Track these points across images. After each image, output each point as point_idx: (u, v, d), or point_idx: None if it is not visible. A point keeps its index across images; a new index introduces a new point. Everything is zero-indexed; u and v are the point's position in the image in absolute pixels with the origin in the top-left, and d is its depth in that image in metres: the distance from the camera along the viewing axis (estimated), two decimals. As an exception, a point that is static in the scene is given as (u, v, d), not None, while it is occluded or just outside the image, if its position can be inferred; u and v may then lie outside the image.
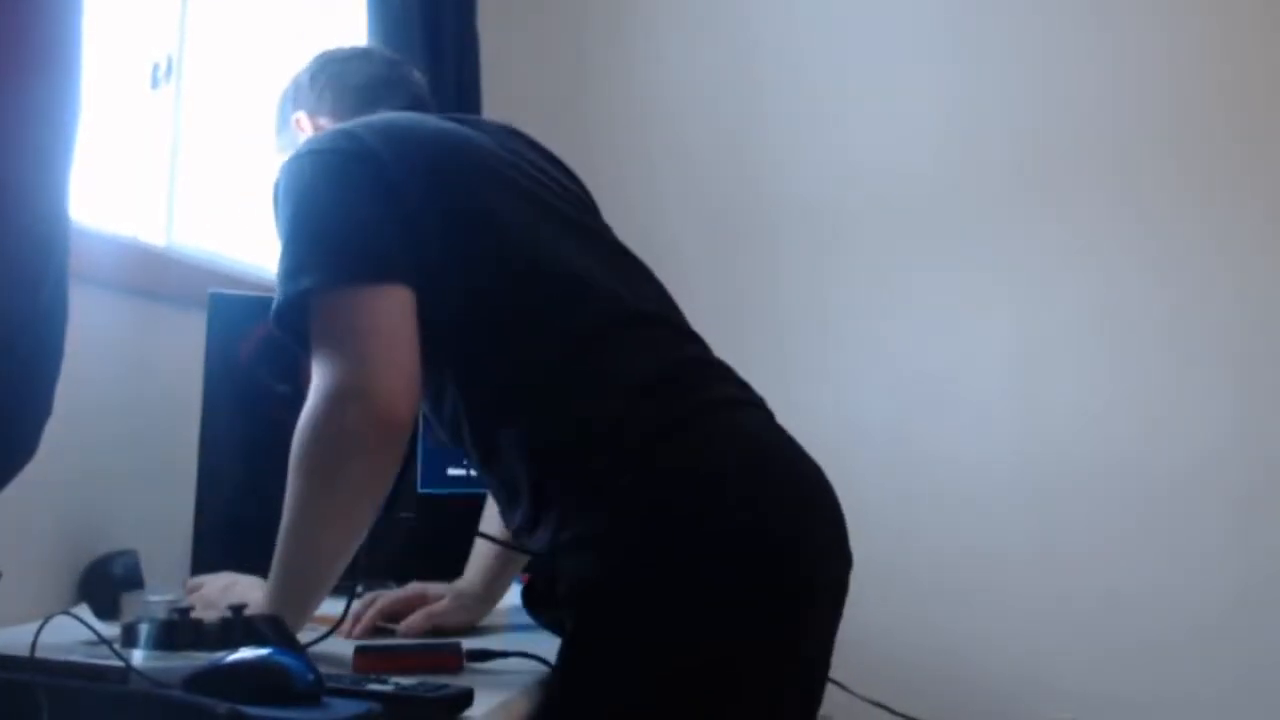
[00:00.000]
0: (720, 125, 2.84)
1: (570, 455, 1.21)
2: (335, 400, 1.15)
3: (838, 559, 1.28)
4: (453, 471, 1.73)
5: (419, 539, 1.65)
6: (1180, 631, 2.49)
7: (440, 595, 1.47)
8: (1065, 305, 2.63)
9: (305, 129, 1.52)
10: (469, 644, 1.25)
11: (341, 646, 1.23)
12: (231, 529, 1.53)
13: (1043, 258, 2.65)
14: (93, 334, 1.40)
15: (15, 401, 1.15)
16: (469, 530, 1.48)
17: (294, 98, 1.56)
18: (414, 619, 1.43)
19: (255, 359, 1.60)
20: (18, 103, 1.08)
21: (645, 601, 1.16)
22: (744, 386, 1.34)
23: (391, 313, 1.20)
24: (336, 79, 1.53)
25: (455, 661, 1.20)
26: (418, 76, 1.59)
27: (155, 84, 1.87)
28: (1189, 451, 2.53)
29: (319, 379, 1.17)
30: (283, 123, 1.56)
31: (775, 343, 2.65)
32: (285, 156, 1.34)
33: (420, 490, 1.71)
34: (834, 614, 1.29)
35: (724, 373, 1.33)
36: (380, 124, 1.31)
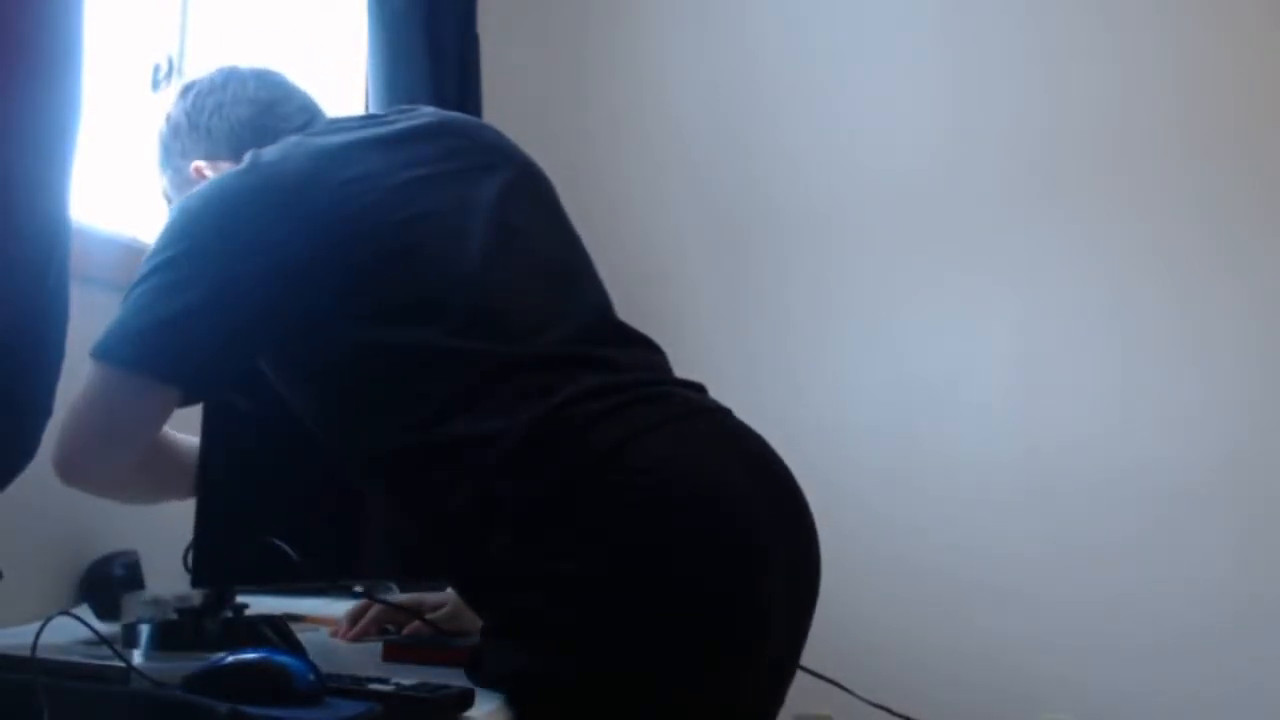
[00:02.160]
0: (721, 125, 2.84)
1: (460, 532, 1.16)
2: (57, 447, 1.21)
3: (790, 567, 1.20)
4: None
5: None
6: (1185, 634, 2.48)
7: (438, 605, 1.47)
8: (1070, 306, 2.63)
9: (209, 176, 1.43)
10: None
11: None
12: (232, 529, 1.52)
13: (1048, 258, 2.64)
14: (93, 334, 1.39)
15: (15, 401, 1.15)
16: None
17: (181, 146, 1.45)
18: (414, 627, 1.43)
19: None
20: (19, 103, 1.08)
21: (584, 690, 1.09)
22: (653, 394, 1.22)
23: (138, 411, 1.23)
24: (216, 116, 1.43)
25: (465, 658, 1.21)
26: (289, 84, 1.49)
27: (156, 85, 1.87)
28: (1193, 453, 2.52)
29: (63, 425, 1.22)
30: (174, 173, 1.47)
31: (778, 343, 2.64)
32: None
33: None
34: (794, 622, 1.23)
35: (620, 388, 1.20)
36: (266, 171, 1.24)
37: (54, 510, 1.44)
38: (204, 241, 1.21)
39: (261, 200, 1.22)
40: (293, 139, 1.30)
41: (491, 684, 1.11)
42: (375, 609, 1.47)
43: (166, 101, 1.49)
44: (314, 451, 1.33)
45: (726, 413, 1.28)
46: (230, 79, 1.45)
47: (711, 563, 1.11)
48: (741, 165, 2.81)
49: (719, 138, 2.83)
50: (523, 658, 1.10)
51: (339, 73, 2.42)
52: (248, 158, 1.26)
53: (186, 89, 1.47)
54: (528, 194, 1.38)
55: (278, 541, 1.33)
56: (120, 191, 1.79)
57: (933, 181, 2.71)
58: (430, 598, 1.48)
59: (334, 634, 1.49)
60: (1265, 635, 2.45)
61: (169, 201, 1.48)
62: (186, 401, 1.25)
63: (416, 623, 1.43)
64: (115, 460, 1.25)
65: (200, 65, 1.97)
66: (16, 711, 0.88)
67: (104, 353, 1.21)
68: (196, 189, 1.27)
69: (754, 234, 2.78)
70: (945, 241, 2.69)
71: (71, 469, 1.22)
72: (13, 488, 1.16)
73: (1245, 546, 2.49)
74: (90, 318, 1.36)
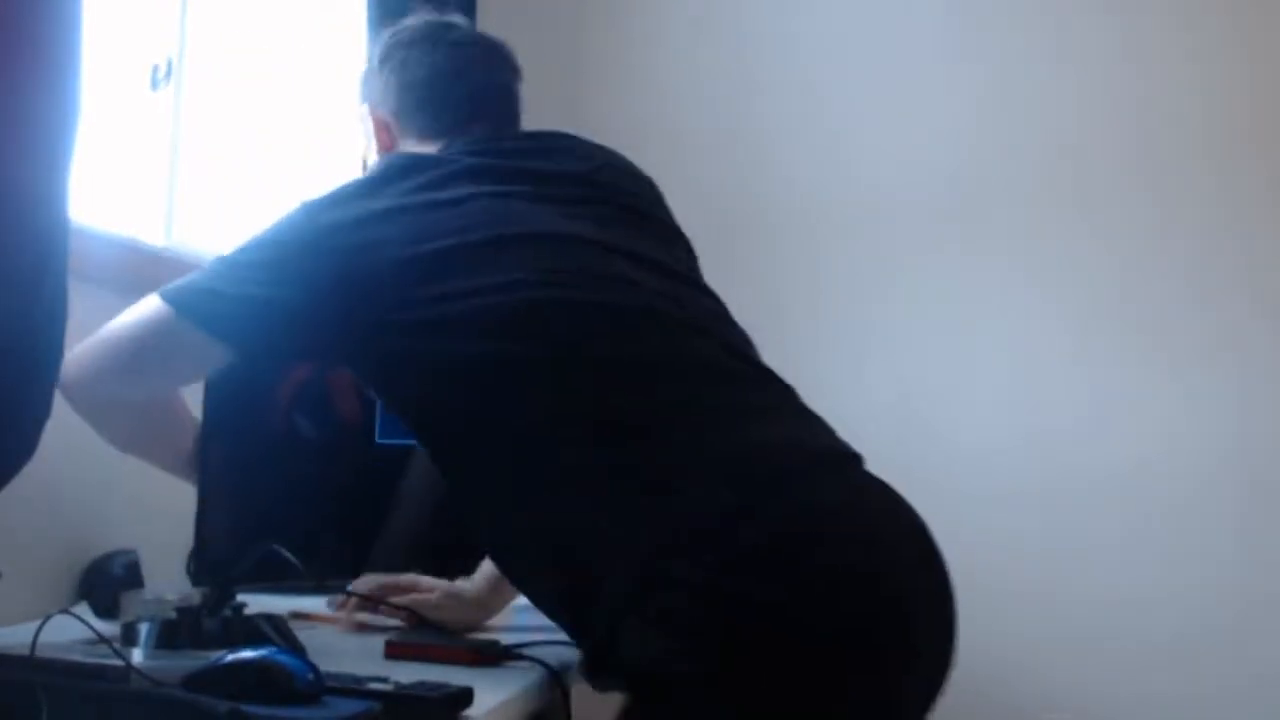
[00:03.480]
0: (720, 126, 2.84)
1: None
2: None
3: (931, 642, 1.18)
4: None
5: (422, 540, 1.65)
6: (1185, 634, 2.48)
7: (432, 588, 1.46)
8: (1071, 305, 2.62)
9: (369, 127, 1.48)
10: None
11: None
12: (233, 529, 1.52)
13: (1048, 262, 2.64)
14: (92, 334, 1.40)
15: (15, 401, 1.16)
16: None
17: (365, 81, 1.49)
18: (399, 599, 1.43)
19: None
20: (18, 103, 1.08)
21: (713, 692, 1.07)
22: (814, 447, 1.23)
23: (179, 359, 1.29)
24: (399, 70, 1.44)
25: (468, 657, 1.21)
26: (491, 63, 1.49)
27: (155, 85, 1.87)
28: (1196, 455, 2.52)
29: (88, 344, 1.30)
30: (360, 104, 1.50)
31: (775, 343, 2.62)
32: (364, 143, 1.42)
33: (379, 441, 1.65)
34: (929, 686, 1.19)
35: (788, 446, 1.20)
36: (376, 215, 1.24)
37: (53, 509, 1.44)
38: (305, 244, 1.24)
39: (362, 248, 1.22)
40: (415, 183, 1.28)
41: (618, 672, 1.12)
42: (370, 580, 1.48)
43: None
44: (310, 453, 1.33)
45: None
46: (428, 36, 1.46)
47: (858, 605, 1.11)
48: (737, 169, 2.81)
49: (714, 140, 2.83)
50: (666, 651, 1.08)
51: (339, 73, 2.42)
52: (378, 170, 1.31)
53: (398, 30, 1.49)
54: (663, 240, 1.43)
55: (278, 547, 1.33)
56: (120, 191, 1.80)
57: (930, 181, 2.71)
58: (426, 581, 1.48)
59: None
60: (1265, 635, 2.45)
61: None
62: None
63: (397, 598, 1.43)
64: (127, 391, 1.32)
65: (200, 66, 1.97)
66: (16, 710, 0.89)
67: (172, 297, 1.25)
68: (323, 194, 1.29)
69: (750, 238, 2.78)
70: (945, 242, 2.69)
71: (81, 383, 1.27)
72: (12, 487, 1.16)
73: (1246, 547, 2.49)
74: (90, 318, 1.36)
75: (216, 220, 2.04)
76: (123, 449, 1.42)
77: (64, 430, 1.22)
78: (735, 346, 1.32)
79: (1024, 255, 2.65)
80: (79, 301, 1.27)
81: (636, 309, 1.24)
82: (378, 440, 1.66)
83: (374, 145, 1.48)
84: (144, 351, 1.28)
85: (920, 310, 2.68)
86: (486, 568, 1.47)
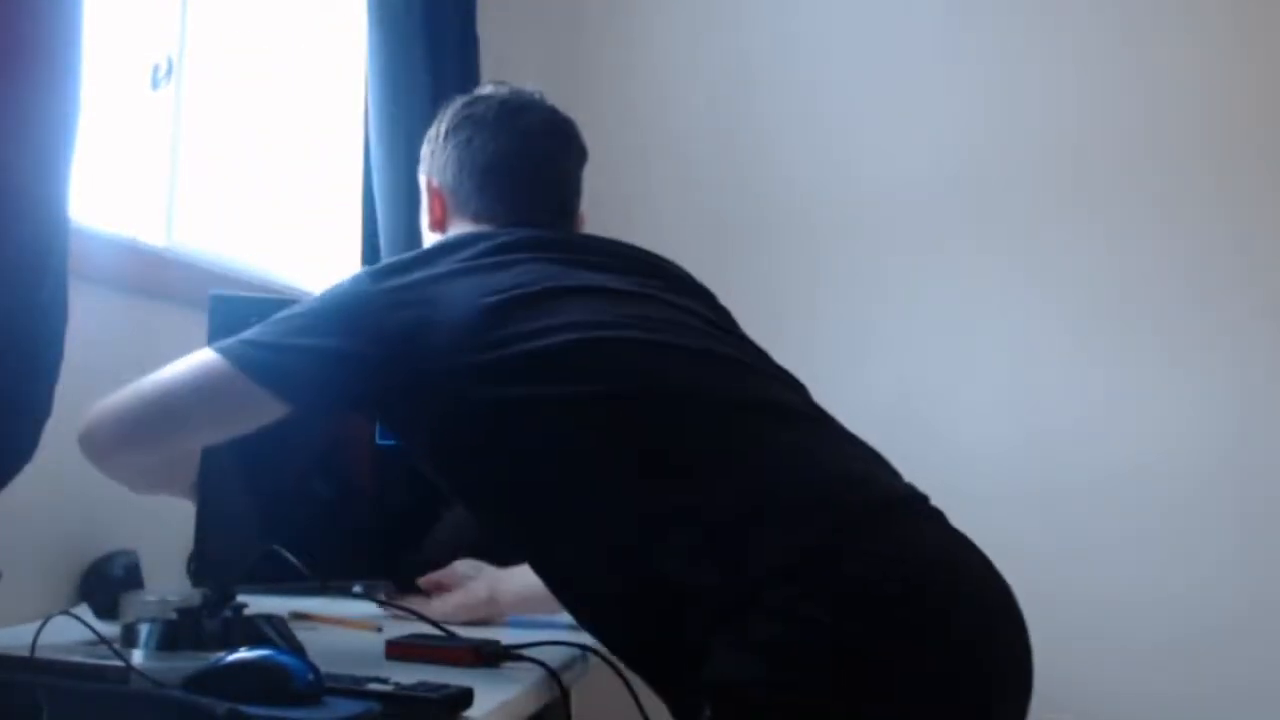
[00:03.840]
0: (719, 127, 2.84)
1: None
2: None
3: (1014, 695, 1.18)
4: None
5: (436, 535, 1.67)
6: (1185, 634, 2.48)
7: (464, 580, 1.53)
8: (1071, 305, 2.62)
9: (425, 196, 1.48)
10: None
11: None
12: (234, 528, 1.52)
13: (1047, 260, 2.64)
14: (93, 334, 1.40)
15: (14, 401, 1.16)
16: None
17: (429, 147, 1.48)
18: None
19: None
20: (18, 103, 1.08)
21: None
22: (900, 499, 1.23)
23: (236, 414, 1.25)
24: (463, 147, 1.44)
25: (468, 657, 1.21)
26: (556, 150, 1.48)
27: (155, 84, 1.87)
28: (1196, 455, 2.52)
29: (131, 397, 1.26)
30: (420, 170, 1.50)
31: (773, 345, 2.63)
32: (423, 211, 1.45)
33: (378, 443, 1.63)
34: None
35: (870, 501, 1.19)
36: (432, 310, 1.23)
37: (53, 510, 1.44)
38: (371, 300, 1.24)
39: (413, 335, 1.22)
40: (462, 273, 1.27)
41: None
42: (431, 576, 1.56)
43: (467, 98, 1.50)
44: (308, 453, 1.33)
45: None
46: (500, 117, 1.45)
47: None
48: (736, 171, 2.81)
49: (716, 139, 2.83)
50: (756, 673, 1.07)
51: (339, 73, 2.42)
52: (434, 245, 1.32)
53: (472, 101, 1.48)
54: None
55: (279, 549, 1.33)
56: (120, 191, 1.80)
57: (927, 183, 2.71)
58: (469, 577, 1.53)
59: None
60: (1265, 635, 2.45)
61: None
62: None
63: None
64: (167, 447, 1.30)
65: (200, 65, 1.97)
66: (16, 711, 0.89)
67: (228, 350, 1.23)
68: (379, 264, 1.30)
69: (748, 239, 2.78)
70: (945, 242, 2.69)
71: (119, 441, 1.25)
72: (12, 487, 1.16)
73: (1246, 547, 2.49)
74: (90, 318, 1.36)
75: (216, 220, 2.04)
76: (139, 493, 1.40)
77: (64, 430, 1.22)
78: (796, 386, 1.36)
79: (1024, 255, 2.65)
80: (79, 301, 1.27)
81: (699, 349, 1.26)
82: (377, 442, 1.66)
83: (426, 213, 1.49)
84: (198, 406, 1.26)
85: (920, 310, 2.68)
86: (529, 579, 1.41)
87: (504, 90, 1.49)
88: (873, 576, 1.09)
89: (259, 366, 1.21)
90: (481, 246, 1.29)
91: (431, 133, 1.49)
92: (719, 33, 2.86)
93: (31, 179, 1.11)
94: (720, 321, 1.39)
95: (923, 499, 1.26)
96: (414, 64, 2.30)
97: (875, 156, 2.74)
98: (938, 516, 1.25)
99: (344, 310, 1.24)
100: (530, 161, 1.45)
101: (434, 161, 1.47)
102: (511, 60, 2.69)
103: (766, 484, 1.15)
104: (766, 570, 1.08)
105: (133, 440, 1.25)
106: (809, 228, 2.76)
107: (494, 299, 1.21)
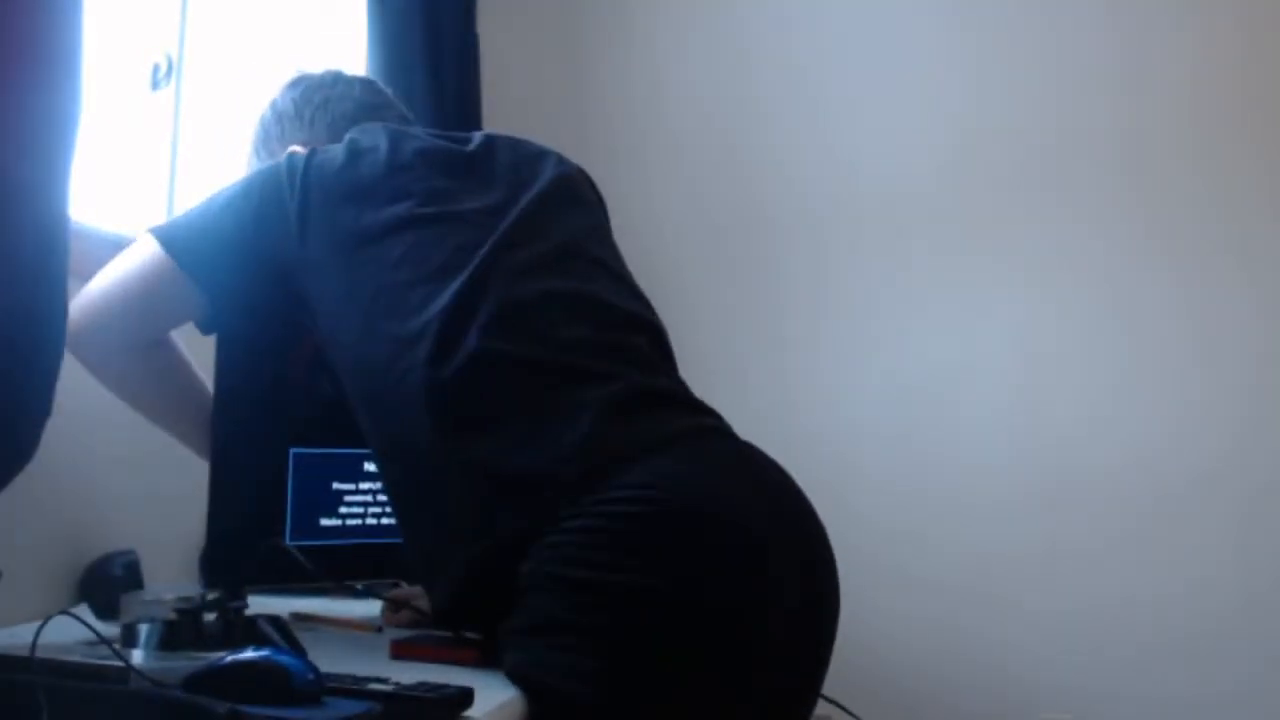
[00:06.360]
0: (719, 128, 2.84)
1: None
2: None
3: (804, 590, 1.21)
4: (326, 522, 1.57)
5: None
6: (1185, 635, 2.48)
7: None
8: (1071, 307, 2.62)
9: None
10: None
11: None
12: (242, 529, 1.52)
13: (1048, 258, 2.64)
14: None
15: (15, 401, 1.15)
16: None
17: (280, 130, 1.54)
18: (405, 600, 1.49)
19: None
20: (18, 103, 1.08)
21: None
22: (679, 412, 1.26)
23: (152, 282, 1.34)
24: (324, 108, 1.53)
25: (469, 657, 1.21)
26: (394, 98, 1.62)
27: (155, 84, 1.87)
28: (1196, 454, 2.52)
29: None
30: (269, 156, 1.53)
31: (775, 347, 2.64)
32: None
33: (289, 543, 1.51)
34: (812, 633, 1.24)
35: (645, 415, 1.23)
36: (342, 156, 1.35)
37: (54, 510, 1.44)
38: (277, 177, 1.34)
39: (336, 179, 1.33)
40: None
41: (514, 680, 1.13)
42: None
43: (272, 89, 1.59)
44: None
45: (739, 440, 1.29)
46: (339, 80, 1.57)
47: (715, 574, 1.13)
48: (736, 169, 2.81)
49: (716, 141, 2.83)
50: (553, 656, 1.12)
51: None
52: (346, 139, 1.40)
53: (297, 81, 1.57)
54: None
55: (287, 545, 1.33)
56: (120, 191, 1.79)
57: (930, 184, 2.71)
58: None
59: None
60: (1265, 636, 2.45)
61: None
62: (209, 322, 1.37)
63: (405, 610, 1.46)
64: (123, 334, 1.36)
65: (200, 65, 1.97)
66: (16, 711, 0.88)
67: (154, 229, 1.35)
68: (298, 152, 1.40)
69: (749, 239, 2.78)
70: (943, 243, 2.69)
71: (83, 331, 1.31)
72: (12, 487, 1.16)
73: (1245, 548, 2.49)
74: (90, 317, 1.35)
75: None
76: (132, 405, 1.44)
77: (64, 430, 1.21)
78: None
79: (1025, 256, 2.65)
80: (79, 301, 1.27)
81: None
82: (287, 543, 1.64)
83: None
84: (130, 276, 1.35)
85: (920, 309, 2.68)
86: None
87: (318, 71, 1.61)
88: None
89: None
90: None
91: (271, 122, 1.56)
92: (718, 33, 2.86)
93: (32, 179, 1.11)
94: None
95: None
96: (414, 64, 2.30)
97: (876, 155, 2.74)
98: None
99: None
100: (386, 105, 1.58)
101: (296, 135, 1.53)
102: (511, 60, 2.69)
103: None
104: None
105: (91, 315, 1.33)
106: (809, 228, 2.76)
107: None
